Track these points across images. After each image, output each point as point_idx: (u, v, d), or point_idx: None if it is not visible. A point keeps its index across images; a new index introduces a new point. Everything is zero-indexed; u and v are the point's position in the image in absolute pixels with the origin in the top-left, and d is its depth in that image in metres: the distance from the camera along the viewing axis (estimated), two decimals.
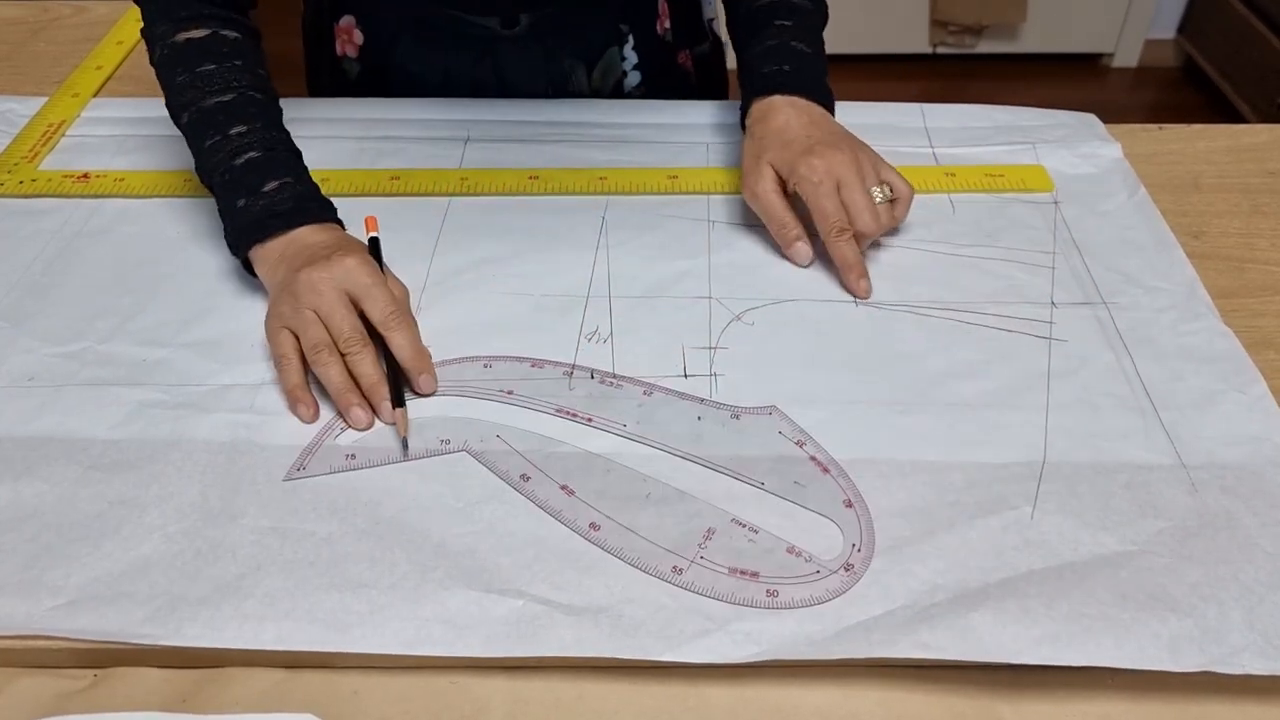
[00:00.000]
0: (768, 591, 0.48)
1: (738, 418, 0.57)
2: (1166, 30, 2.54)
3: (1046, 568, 0.49)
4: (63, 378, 0.60)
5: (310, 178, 0.66)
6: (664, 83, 0.90)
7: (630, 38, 0.87)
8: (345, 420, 0.57)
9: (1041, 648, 0.46)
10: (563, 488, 0.53)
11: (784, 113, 0.69)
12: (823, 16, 0.76)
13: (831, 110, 0.72)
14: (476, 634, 0.47)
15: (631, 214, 0.73)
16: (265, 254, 0.63)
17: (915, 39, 2.51)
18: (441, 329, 0.63)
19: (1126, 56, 2.54)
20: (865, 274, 0.66)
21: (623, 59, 0.87)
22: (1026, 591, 0.48)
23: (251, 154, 0.64)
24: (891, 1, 2.43)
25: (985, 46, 2.52)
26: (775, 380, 0.60)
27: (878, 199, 0.67)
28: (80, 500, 0.53)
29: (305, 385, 0.58)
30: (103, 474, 0.54)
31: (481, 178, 0.76)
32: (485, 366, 0.61)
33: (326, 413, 0.58)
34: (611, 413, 0.58)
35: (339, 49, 0.87)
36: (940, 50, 2.54)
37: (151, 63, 0.70)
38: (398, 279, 0.64)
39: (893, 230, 0.70)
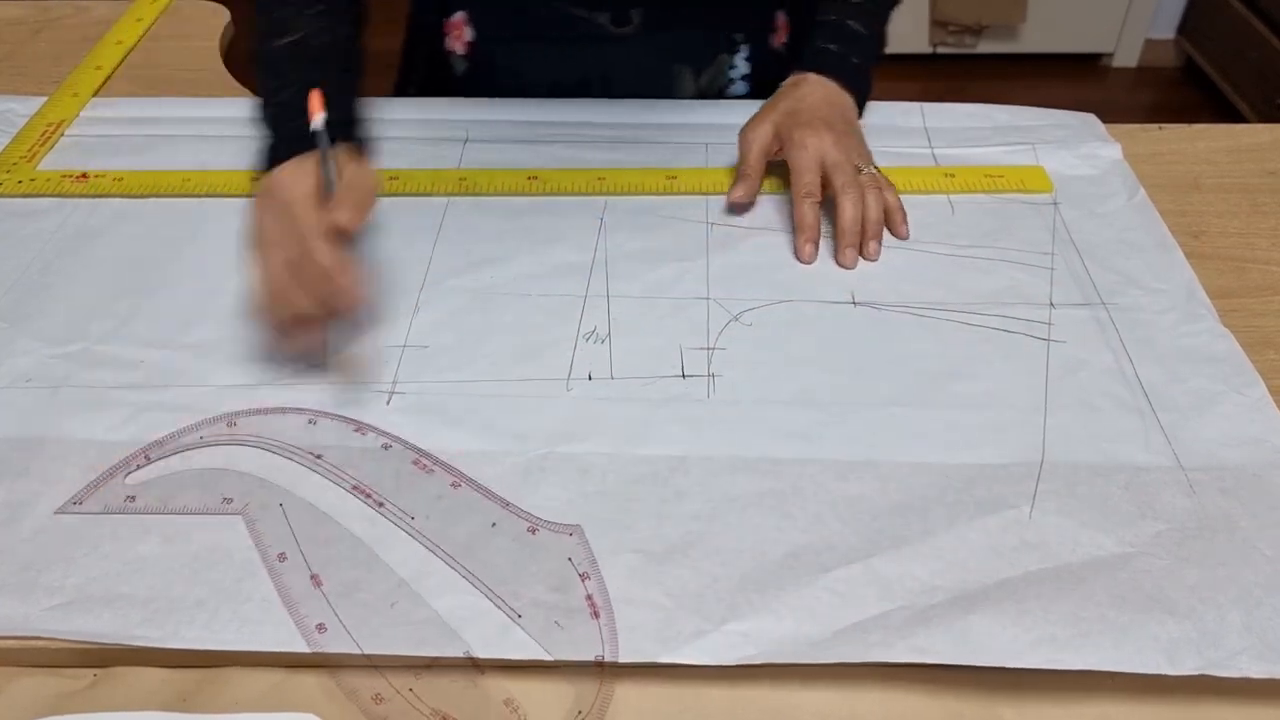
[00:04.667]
0: None
1: (534, 532, 0.51)
2: (1166, 30, 2.53)
3: (1044, 569, 0.49)
4: (61, 378, 0.60)
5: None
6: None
7: (744, 48, 0.86)
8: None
9: (1039, 651, 0.46)
10: (313, 577, 0.49)
11: (809, 88, 0.71)
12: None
13: (861, 101, 0.73)
14: (473, 635, 0.47)
15: (630, 214, 0.73)
16: None
17: (915, 39, 2.51)
18: (440, 329, 0.63)
19: (1126, 56, 2.54)
20: (816, 241, 0.68)
21: (732, 67, 0.87)
22: (1024, 594, 0.48)
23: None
24: None
25: (985, 46, 2.51)
26: (773, 381, 0.60)
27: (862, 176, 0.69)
28: None
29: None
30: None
31: (480, 178, 0.76)
32: (310, 422, 0.57)
33: (114, 455, 0.55)
34: (408, 500, 0.53)
35: (447, 45, 0.87)
36: (940, 50, 2.53)
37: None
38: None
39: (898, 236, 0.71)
